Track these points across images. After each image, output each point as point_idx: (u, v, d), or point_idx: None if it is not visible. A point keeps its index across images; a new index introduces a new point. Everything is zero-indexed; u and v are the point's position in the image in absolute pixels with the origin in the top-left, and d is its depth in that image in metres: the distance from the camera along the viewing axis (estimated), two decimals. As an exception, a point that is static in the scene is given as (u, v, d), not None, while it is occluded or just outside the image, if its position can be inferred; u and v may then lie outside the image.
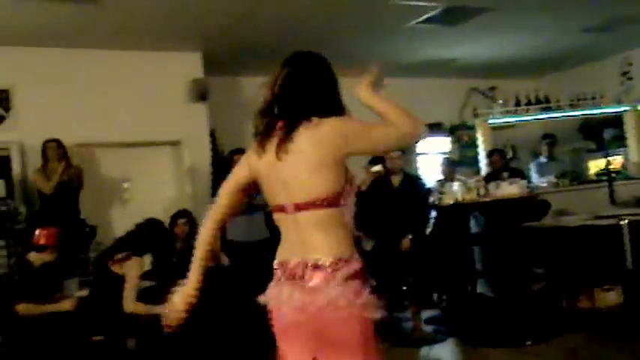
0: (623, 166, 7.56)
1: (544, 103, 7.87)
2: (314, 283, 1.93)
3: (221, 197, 2.17)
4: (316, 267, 1.94)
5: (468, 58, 8.21)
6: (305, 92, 2.03)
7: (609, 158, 7.53)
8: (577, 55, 8.65)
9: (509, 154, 8.09)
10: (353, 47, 7.15)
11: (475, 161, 7.97)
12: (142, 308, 4.26)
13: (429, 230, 6.46)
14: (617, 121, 7.75)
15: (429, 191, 6.26)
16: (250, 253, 5.47)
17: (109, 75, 6.56)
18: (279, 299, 1.99)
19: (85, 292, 4.69)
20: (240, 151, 6.60)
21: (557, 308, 5.90)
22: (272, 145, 2.01)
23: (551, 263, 6.16)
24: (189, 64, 6.90)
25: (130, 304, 4.26)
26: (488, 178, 6.34)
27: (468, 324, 5.81)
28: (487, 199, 5.73)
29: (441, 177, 7.26)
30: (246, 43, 6.67)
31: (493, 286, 6.22)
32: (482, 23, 6.73)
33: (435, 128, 8.44)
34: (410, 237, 5.71)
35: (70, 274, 5.05)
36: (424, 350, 5.39)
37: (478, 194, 5.81)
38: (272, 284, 2.06)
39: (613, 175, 7.42)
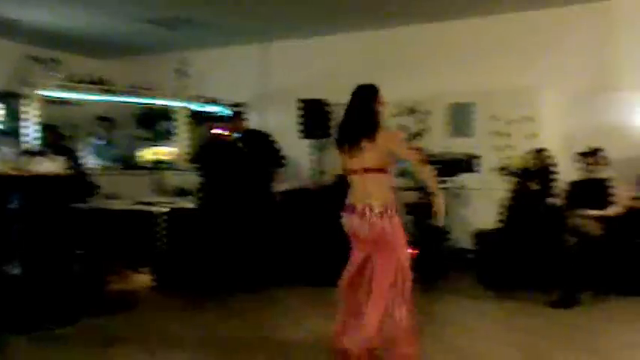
0: (172, 157, 8.06)
1: (105, 85, 7.83)
2: (371, 218, 3.58)
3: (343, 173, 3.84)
4: (372, 209, 3.58)
5: (33, 22, 7.62)
6: (359, 119, 3.73)
7: (160, 149, 7.94)
8: (142, 45, 8.91)
9: (66, 132, 7.77)
10: None
11: (25, 134, 7.40)
12: None
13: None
14: (170, 114, 8.23)
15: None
16: None
17: None
18: (354, 226, 3.66)
19: None
20: None
21: (92, 290, 5.88)
22: (349, 147, 3.71)
23: (95, 245, 6.14)
24: None
25: None
26: (30, 153, 5.95)
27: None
28: (25, 174, 5.37)
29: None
30: None
31: (28, 267, 5.86)
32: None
33: (-17, 92, 7.56)
34: None
35: None
36: None
37: (18, 168, 5.40)
38: (347, 217, 3.70)
39: (161, 164, 7.85)
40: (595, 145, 6.06)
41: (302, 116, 7.81)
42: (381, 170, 3.64)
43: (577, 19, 7.16)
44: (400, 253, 3.64)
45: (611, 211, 5.73)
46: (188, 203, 6.57)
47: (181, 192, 7.23)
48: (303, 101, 7.77)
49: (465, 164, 6.88)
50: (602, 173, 5.93)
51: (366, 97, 3.77)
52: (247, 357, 4.09)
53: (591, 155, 5.94)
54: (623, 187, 5.94)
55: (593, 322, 4.89)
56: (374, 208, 3.57)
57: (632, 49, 6.86)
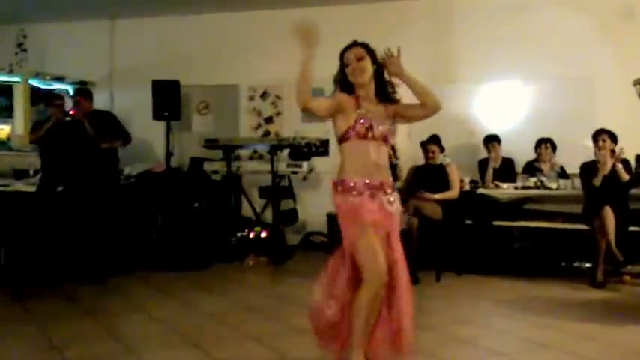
0: (9, 137, 7.52)
1: None
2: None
3: (319, 103, 3.11)
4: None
5: None
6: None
7: (-4, 128, 7.38)
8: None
9: None
10: None
11: None
12: None
13: None
14: (8, 90, 7.64)
15: None
16: None
17: None
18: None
19: None
20: None
21: None
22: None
23: None
24: None
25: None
26: None
27: None
28: None
29: None
30: None
31: None
32: None
33: None
34: None
35: None
36: None
37: None
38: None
39: (-3, 144, 7.30)
40: (436, 132, 6.39)
41: (155, 97, 7.53)
42: None
43: (422, 11, 7.50)
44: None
45: (448, 194, 6.08)
46: (24, 186, 6.16)
47: (18, 174, 6.76)
48: (156, 82, 7.49)
49: (316, 148, 7.01)
50: (442, 159, 6.27)
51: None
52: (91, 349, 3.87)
53: (431, 142, 6.27)
54: (460, 172, 6.32)
55: (429, 300, 5.20)
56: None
57: (469, 43, 7.31)
